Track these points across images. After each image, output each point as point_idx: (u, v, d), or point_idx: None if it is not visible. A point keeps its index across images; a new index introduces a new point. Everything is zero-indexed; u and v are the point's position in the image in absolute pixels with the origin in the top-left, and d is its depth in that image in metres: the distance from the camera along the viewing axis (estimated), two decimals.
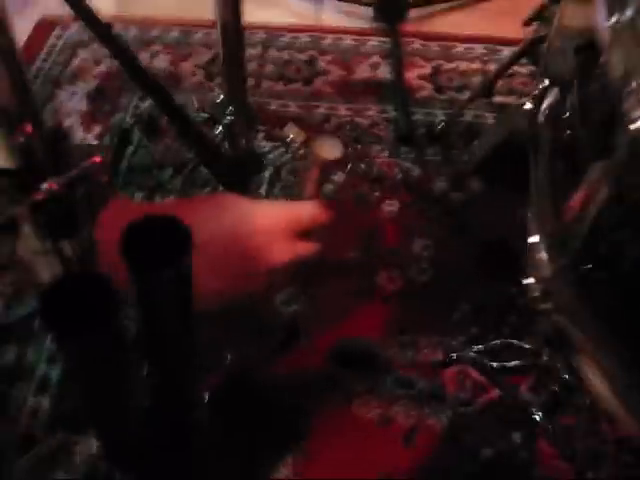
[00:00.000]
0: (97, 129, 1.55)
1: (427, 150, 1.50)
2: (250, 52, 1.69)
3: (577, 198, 0.71)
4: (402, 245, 1.35)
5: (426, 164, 1.48)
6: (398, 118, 1.54)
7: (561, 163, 0.81)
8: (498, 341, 1.12)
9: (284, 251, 0.80)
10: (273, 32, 1.76)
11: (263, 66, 1.69)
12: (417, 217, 1.40)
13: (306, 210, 0.84)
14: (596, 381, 0.76)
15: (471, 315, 1.25)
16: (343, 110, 1.59)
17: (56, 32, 1.78)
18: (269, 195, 1.40)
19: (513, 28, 1.35)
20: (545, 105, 0.86)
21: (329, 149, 0.79)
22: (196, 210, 0.78)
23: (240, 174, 1.05)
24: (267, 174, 1.45)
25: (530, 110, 0.90)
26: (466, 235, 1.35)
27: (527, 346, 1.10)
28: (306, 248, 0.82)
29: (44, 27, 1.78)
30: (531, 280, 0.80)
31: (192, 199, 1.18)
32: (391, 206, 1.41)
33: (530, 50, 1.17)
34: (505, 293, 1.26)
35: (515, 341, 1.12)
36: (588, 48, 0.72)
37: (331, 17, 1.85)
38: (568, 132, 0.79)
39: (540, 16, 1.14)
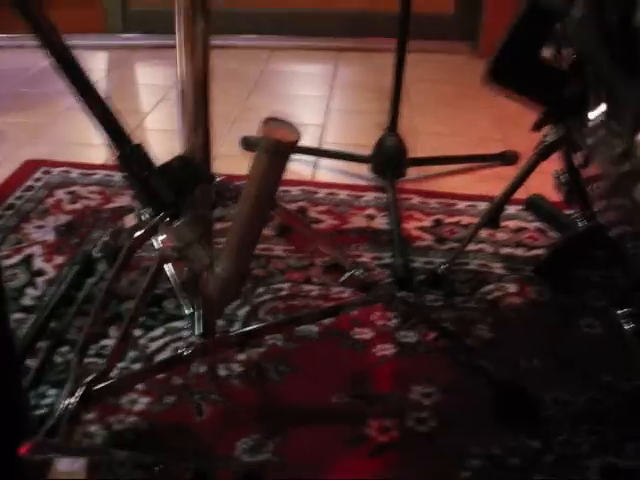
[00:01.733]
0: (59, 259, 1.39)
1: (427, 296, 1.33)
2: None
3: None
4: (397, 392, 1.13)
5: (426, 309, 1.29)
6: (395, 263, 1.39)
7: None
8: None
9: None
10: None
11: None
12: (415, 362, 1.18)
13: None
14: None
15: (483, 474, 1.00)
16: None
17: (37, 175, 1.69)
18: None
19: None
20: None
21: (284, 132, 0.64)
22: None
23: None
24: (244, 311, 1.28)
25: None
26: (478, 379, 1.13)
27: None
28: None
29: (27, 169, 1.70)
30: None
31: None
32: (384, 350, 1.20)
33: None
34: (526, 449, 1.03)
35: None
36: None
37: (326, 175, 1.78)
38: None
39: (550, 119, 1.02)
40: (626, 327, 1.00)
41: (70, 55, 0.76)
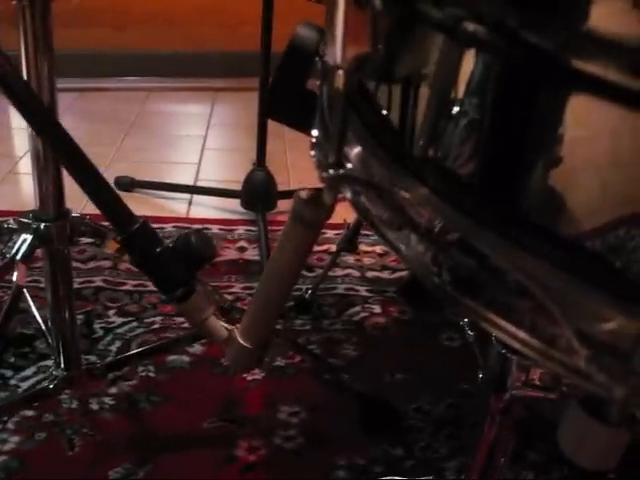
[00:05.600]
0: None
1: (296, 321, 1.39)
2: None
3: None
4: (266, 413, 1.17)
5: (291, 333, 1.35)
6: None
7: None
8: None
9: None
10: None
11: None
12: (283, 384, 1.24)
13: None
14: None
15: None
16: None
17: None
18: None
19: None
20: None
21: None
22: None
23: None
24: (115, 347, 1.30)
25: None
26: (343, 396, 1.19)
27: None
28: None
29: None
30: None
31: None
32: (254, 375, 1.25)
33: None
34: (388, 457, 1.10)
35: None
36: None
37: (201, 211, 1.83)
38: None
39: None
40: (469, 334, 1.09)
41: (62, 130, 0.77)
